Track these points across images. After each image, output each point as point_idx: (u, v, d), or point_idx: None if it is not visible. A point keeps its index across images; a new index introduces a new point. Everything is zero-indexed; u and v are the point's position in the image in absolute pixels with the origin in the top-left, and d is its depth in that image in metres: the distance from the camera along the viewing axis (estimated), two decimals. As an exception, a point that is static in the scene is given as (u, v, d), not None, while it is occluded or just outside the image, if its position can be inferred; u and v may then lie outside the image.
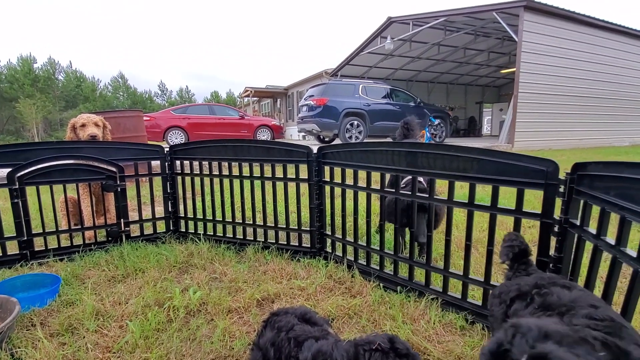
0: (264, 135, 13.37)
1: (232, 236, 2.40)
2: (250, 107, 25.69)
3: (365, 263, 1.93)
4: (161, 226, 2.60)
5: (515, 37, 9.50)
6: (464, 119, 19.52)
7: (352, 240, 1.98)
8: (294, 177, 2.15)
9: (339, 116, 10.09)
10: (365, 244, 1.92)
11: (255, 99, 26.01)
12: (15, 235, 2.13)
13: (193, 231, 2.54)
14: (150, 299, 1.67)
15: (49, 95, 38.85)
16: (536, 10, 9.37)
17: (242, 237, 2.37)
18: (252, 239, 2.34)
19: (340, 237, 2.05)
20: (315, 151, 2.10)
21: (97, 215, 2.67)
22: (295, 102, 21.99)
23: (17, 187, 2.09)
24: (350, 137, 10.17)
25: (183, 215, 2.58)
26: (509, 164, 1.38)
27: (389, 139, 10.00)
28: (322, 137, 10.76)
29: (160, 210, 2.65)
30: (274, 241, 2.28)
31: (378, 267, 1.86)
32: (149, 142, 5.59)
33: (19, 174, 2.10)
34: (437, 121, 9.96)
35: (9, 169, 2.09)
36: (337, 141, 10.36)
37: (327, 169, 2.09)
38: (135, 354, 1.31)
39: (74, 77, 42.50)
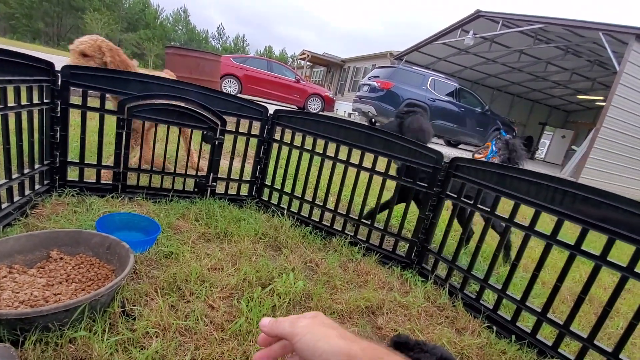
0: (314, 105, 12.96)
1: (317, 221, 2.27)
2: (302, 71, 25.19)
3: (475, 297, 1.75)
4: (243, 189, 2.50)
5: (616, 66, 8.52)
6: (521, 137, 18.34)
7: (452, 261, 1.80)
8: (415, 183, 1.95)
9: (399, 104, 9.59)
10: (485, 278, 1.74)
11: (309, 64, 25.43)
12: (112, 165, 2.08)
13: (276, 203, 2.42)
14: (250, 275, 1.57)
15: (114, 14, 39.61)
16: (651, 41, 8.30)
17: (329, 225, 2.23)
18: (340, 230, 2.19)
19: (450, 259, 1.85)
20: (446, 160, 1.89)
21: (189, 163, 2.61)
22: (349, 76, 21.31)
23: (125, 117, 2.01)
24: (405, 129, 9.73)
25: (269, 184, 2.45)
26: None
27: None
28: (374, 121, 10.34)
29: (245, 173, 2.54)
30: (364, 239, 2.12)
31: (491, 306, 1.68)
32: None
33: (129, 105, 2.01)
34: (507, 136, 9.28)
35: (122, 97, 2.00)
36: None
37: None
38: (248, 341, 1.22)
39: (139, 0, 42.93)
